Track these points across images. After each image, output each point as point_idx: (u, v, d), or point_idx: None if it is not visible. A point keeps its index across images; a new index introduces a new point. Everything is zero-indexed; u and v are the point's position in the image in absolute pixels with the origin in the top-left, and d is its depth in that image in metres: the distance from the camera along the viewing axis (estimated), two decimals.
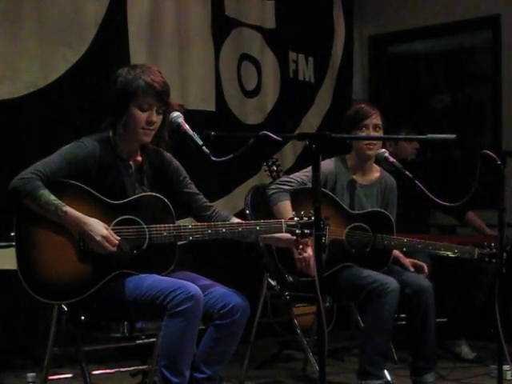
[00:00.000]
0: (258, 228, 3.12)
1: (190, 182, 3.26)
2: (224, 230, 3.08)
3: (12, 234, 2.89)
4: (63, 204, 2.87)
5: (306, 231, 3.15)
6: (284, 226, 3.14)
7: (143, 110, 3.00)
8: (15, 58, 4.19)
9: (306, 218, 3.16)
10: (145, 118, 3.00)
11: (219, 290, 3.04)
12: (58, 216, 2.86)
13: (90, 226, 2.88)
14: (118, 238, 2.92)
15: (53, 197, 2.86)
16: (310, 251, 3.62)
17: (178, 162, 3.26)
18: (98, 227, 2.89)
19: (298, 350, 4.76)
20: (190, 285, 2.87)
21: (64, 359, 3.98)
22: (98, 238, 2.87)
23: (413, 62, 6.51)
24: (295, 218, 3.17)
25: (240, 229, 3.09)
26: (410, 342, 3.94)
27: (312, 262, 3.65)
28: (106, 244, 2.88)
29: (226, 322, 2.97)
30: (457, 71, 6.25)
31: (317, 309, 2.55)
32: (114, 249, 2.89)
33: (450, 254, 3.94)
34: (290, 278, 3.85)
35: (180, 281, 2.91)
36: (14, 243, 2.89)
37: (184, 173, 3.26)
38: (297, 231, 3.15)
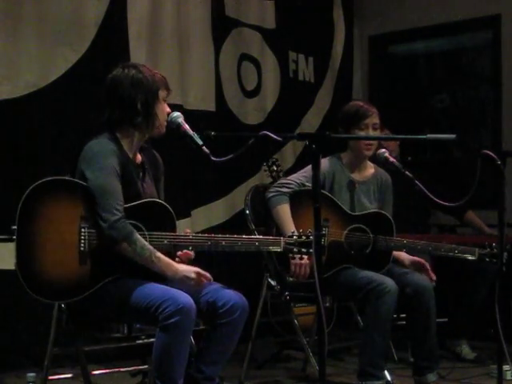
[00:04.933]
0: (256, 244, 3.17)
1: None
2: (224, 243, 3.09)
3: (13, 227, 2.88)
4: (155, 250, 2.93)
5: (303, 250, 3.18)
6: (282, 243, 3.19)
7: (164, 102, 3.07)
8: (15, 58, 4.19)
9: (304, 237, 3.19)
10: (167, 109, 3.08)
11: (218, 289, 3.04)
12: (151, 261, 2.92)
13: (182, 268, 2.96)
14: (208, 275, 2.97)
15: (145, 242, 2.92)
16: (306, 258, 3.65)
17: None
18: (188, 268, 2.96)
19: (297, 350, 4.76)
20: (180, 295, 2.85)
21: (64, 359, 3.98)
22: (193, 275, 2.93)
23: (413, 62, 6.51)
24: (294, 236, 3.20)
25: (239, 243, 3.12)
26: (412, 341, 3.95)
27: (308, 269, 3.69)
28: (202, 278, 2.94)
29: (225, 322, 2.98)
30: (457, 71, 6.25)
31: (317, 309, 2.55)
32: (209, 280, 2.95)
33: (451, 254, 3.94)
34: (290, 279, 3.85)
35: (171, 290, 2.89)
36: (14, 237, 2.88)
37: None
38: (294, 249, 3.19)
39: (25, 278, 2.86)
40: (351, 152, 3.97)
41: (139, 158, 3.15)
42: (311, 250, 3.15)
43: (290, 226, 3.64)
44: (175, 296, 2.84)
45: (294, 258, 3.52)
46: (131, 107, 3.02)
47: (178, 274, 2.94)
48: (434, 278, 3.86)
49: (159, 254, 2.94)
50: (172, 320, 2.79)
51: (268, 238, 3.23)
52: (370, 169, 4.04)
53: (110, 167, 2.95)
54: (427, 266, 3.88)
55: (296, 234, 3.26)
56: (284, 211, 3.79)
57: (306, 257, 3.62)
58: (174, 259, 3.07)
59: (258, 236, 3.22)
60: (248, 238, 3.19)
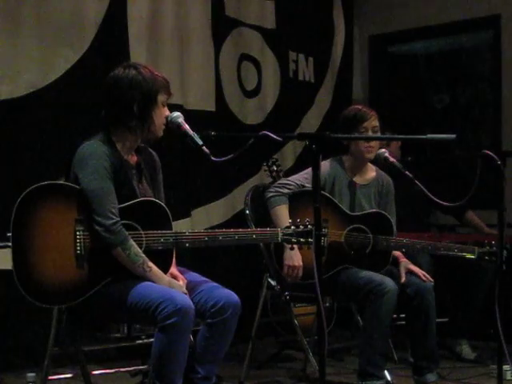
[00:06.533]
0: (254, 236, 3.16)
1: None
2: (221, 237, 3.09)
3: (8, 234, 2.87)
4: (148, 259, 2.94)
5: (301, 240, 3.17)
6: (280, 234, 3.18)
7: (163, 106, 3.05)
8: (15, 58, 4.18)
9: (302, 227, 3.19)
10: (165, 114, 3.05)
11: (210, 287, 3.04)
12: (143, 270, 2.93)
13: (171, 282, 2.98)
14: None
15: (139, 249, 2.93)
16: (300, 261, 3.67)
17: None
18: (178, 285, 2.98)
19: (297, 350, 4.76)
20: (178, 296, 2.85)
21: (64, 359, 3.98)
22: (183, 290, 2.97)
23: (413, 62, 6.51)
24: (292, 227, 3.20)
25: (236, 237, 3.11)
26: (411, 342, 3.95)
27: (300, 272, 3.70)
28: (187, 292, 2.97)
29: (217, 321, 2.97)
30: (457, 71, 6.24)
31: (317, 309, 2.55)
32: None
33: (450, 254, 3.94)
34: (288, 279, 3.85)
35: (170, 291, 2.89)
36: (10, 243, 2.87)
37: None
38: (293, 239, 3.18)
39: (23, 283, 2.85)
40: (352, 155, 3.96)
41: (135, 158, 3.13)
42: (310, 240, 3.16)
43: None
44: (174, 296, 2.83)
45: (295, 249, 3.50)
46: (127, 109, 2.99)
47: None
48: (431, 280, 3.87)
49: (151, 264, 2.95)
50: (170, 320, 2.79)
51: (265, 230, 3.22)
52: (372, 172, 4.03)
53: (102, 170, 2.93)
54: (423, 276, 3.89)
55: (294, 224, 3.26)
56: (282, 212, 3.79)
57: (300, 258, 3.66)
58: (172, 258, 3.07)
59: (254, 229, 3.20)
60: (245, 231, 3.18)
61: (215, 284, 3.08)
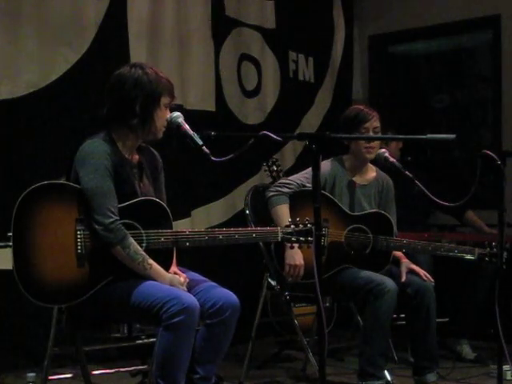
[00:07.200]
0: (254, 235, 3.17)
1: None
2: (221, 236, 3.09)
3: (9, 234, 2.87)
4: (148, 257, 2.94)
5: (301, 239, 3.17)
6: (280, 233, 3.18)
7: (165, 108, 3.05)
8: (15, 58, 4.18)
9: (301, 226, 3.19)
10: (167, 116, 3.05)
11: (208, 288, 3.04)
12: (143, 267, 2.93)
13: (173, 279, 2.97)
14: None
15: (139, 247, 2.93)
16: (301, 260, 3.67)
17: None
18: (177, 279, 2.98)
19: (298, 350, 4.76)
20: (184, 295, 2.86)
21: (64, 359, 3.98)
22: (183, 287, 2.97)
23: (413, 62, 6.51)
24: (291, 226, 3.20)
25: (236, 236, 3.12)
26: (412, 342, 3.96)
27: (302, 270, 3.70)
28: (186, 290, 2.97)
29: (216, 322, 2.97)
30: (457, 71, 6.25)
31: (317, 309, 2.55)
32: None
33: (450, 254, 3.94)
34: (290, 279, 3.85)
35: (175, 290, 2.90)
36: (10, 243, 2.87)
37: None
38: (292, 239, 3.18)
39: (24, 283, 2.85)
40: (353, 155, 3.96)
41: (136, 157, 3.13)
42: (310, 239, 3.17)
43: None
44: (180, 295, 2.84)
45: (295, 247, 3.50)
46: (129, 108, 3.00)
47: (167, 284, 2.96)
48: (432, 280, 3.88)
49: (152, 261, 2.95)
50: (176, 319, 2.79)
51: (265, 229, 3.22)
52: (372, 172, 4.04)
53: (102, 168, 2.94)
54: (424, 276, 3.88)
55: (293, 223, 3.26)
56: (283, 211, 3.80)
57: (301, 256, 3.65)
58: (172, 257, 3.07)
59: (254, 228, 3.19)
60: (244, 229, 3.19)
61: (213, 283, 3.08)
